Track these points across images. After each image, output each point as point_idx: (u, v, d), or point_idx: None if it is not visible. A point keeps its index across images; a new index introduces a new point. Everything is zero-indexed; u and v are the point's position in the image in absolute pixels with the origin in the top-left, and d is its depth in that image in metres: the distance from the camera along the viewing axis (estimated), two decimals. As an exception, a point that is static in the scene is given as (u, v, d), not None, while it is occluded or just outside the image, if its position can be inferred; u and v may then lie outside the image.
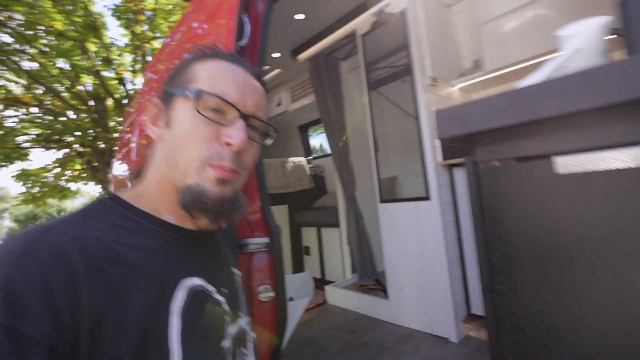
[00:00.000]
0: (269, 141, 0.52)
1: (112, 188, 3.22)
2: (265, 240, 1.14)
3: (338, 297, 2.50)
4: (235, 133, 0.43)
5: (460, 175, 1.84)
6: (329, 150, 3.92)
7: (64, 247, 0.34)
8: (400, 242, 2.00)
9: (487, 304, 0.68)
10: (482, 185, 0.68)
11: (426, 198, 1.84)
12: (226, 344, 0.47)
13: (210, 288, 0.47)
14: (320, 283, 2.83)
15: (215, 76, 0.45)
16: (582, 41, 0.55)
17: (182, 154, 0.43)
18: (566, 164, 0.57)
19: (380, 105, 2.19)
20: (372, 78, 2.23)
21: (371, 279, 2.65)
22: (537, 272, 0.61)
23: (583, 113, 0.52)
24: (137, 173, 0.50)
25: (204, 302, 0.45)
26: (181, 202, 0.43)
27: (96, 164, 5.87)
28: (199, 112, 0.43)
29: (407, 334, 1.87)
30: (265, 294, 1.11)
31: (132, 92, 5.79)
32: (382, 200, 2.13)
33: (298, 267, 3.27)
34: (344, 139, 2.69)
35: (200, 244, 0.49)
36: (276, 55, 2.80)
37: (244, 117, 0.45)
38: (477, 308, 1.79)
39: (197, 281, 0.45)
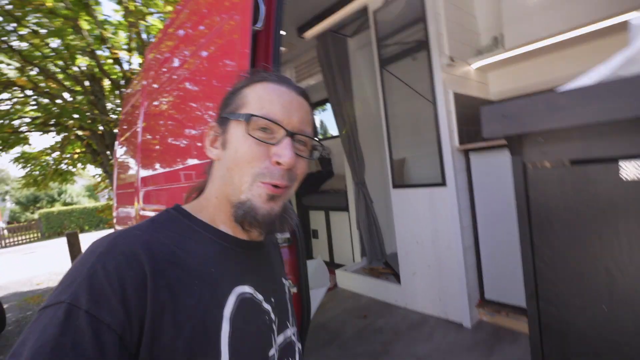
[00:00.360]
0: (316, 154, 0.55)
1: (115, 172, 3.17)
2: (286, 235, 1.11)
3: (349, 281, 2.52)
4: (283, 152, 0.46)
5: (477, 161, 1.79)
6: (335, 132, 3.84)
7: (136, 250, 0.39)
8: (414, 228, 1.98)
9: (532, 310, 0.65)
10: (530, 187, 0.64)
11: (442, 184, 1.80)
12: (272, 352, 0.49)
13: (259, 297, 0.49)
14: (330, 267, 2.85)
15: (263, 99, 0.48)
16: (661, 31, 0.49)
17: (237, 172, 0.47)
18: (632, 168, 0.51)
19: (390, 84, 2.10)
20: (383, 55, 2.12)
21: (380, 262, 2.66)
22: (589, 281, 0.57)
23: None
24: (200, 188, 0.55)
25: (252, 310, 0.47)
26: (234, 216, 0.48)
27: (96, 147, 5.78)
28: (250, 135, 0.47)
29: (420, 319, 1.89)
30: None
31: (129, 72, 5.60)
32: (395, 186, 2.08)
33: (306, 251, 3.29)
34: (344, 132, 2.61)
35: (252, 254, 0.52)
36: (282, 32, 2.66)
37: (291, 134, 0.48)
38: (491, 293, 1.79)
39: (247, 289, 0.48)
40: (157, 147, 1.82)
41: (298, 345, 0.58)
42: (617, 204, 0.53)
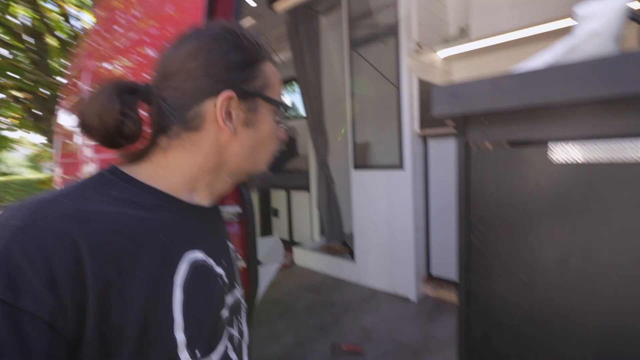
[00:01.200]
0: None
1: (58, 140, 2.90)
2: (237, 209, 1.09)
3: (305, 258, 2.57)
4: (283, 132, 0.56)
5: (434, 147, 1.86)
6: (301, 111, 3.79)
7: (65, 222, 0.33)
8: (371, 209, 2.04)
9: (462, 281, 0.70)
10: (471, 167, 0.67)
11: (400, 167, 1.86)
12: (225, 313, 0.50)
13: (211, 261, 0.49)
14: (288, 244, 2.88)
15: (278, 86, 0.52)
16: (600, 24, 0.52)
17: (264, 151, 0.52)
18: (563, 152, 0.56)
19: (359, 67, 2.10)
20: (354, 36, 2.10)
21: (338, 241, 2.73)
22: (514, 254, 0.63)
23: (590, 102, 0.50)
24: (137, 155, 0.48)
25: (205, 275, 0.46)
26: (243, 183, 0.56)
27: (39, 112, 5.22)
28: (276, 120, 0.52)
29: (370, 294, 1.99)
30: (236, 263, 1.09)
31: (82, 30, 5.05)
32: (356, 167, 2.12)
33: (266, 229, 3.28)
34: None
35: (202, 219, 0.51)
36: (251, 3, 2.52)
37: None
38: (436, 270, 1.92)
39: (199, 254, 0.46)
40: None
41: (244, 305, 0.60)
42: (543, 185, 0.58)
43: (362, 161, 2.12)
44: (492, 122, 0.64)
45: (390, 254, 1.96)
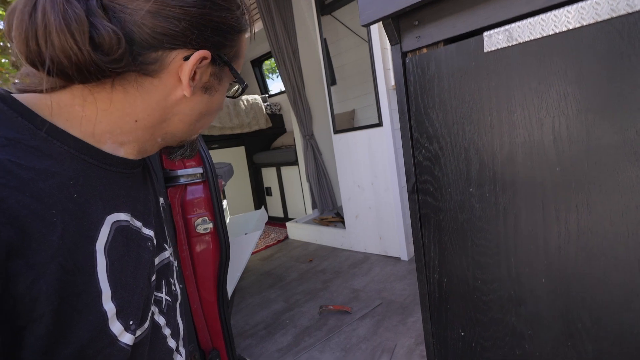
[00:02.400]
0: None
1: None
2: (199, 170, 1.05)
3: (299, 231, 2.55)
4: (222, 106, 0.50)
5: (412, 100, 1.79)
6: (282, 87, 3.71)
7: None
8: (355, 172, 1.99)
9: (413, 205, 0.66)
10: (408, 78, 0.61)
11: (379, 124, 1.79)
12: (154, 278, 0.45)
13: (138, 223, 0.43)
14: (283, 221, 2.86)
15: (242, 57, 0.47)
16: None
17: (205, 121, 0.47)
18: (494, 37, 0.50)
19: (336, 31, 2.01)
20: (323, -2, 2.00)
21: (332, 212, 2.70)
22: (460, 167, 0.58)
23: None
24: (59, 81, 0.36)
25: (131, 238, 0.41)
26: (171, 148, 0.49)
27: None
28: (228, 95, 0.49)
29: (362, 258, 1.96)
30: (203, 225, 1.06)
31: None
32: (336, 131, 2.06)
33: (261, 207, 3.27)
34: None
35: (127, 175, 0.44)
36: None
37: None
38: (427, 229, 1.88)
39: (122, 216, 0.40)
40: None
41: (175, 264, 0.54)
42: (482, 77, 0.52)
43: (342, 125, 2.05)
44: (423, 22, 0.57)
45: (378, 215, 1.92)
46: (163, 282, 0.49)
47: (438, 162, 0.60)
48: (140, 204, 0.46)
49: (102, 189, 0.38)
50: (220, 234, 1.08)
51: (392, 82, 1.77)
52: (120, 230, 0.39)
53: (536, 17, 0.46)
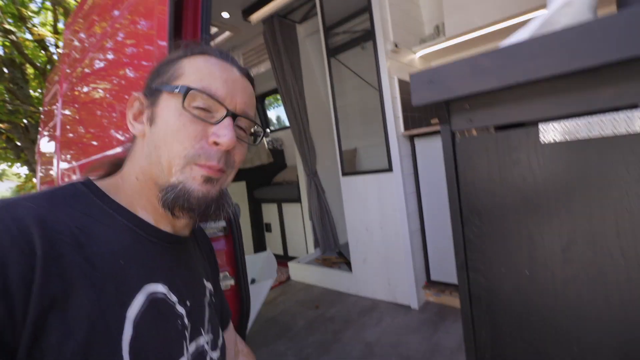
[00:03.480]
0: (257, 140, 0.51)
1: (38, 168, 2.81)
2: (222, 224, 1.03)
3: (302, 273, 2.48)
4: (223, 132, 0.41)
5: (421, 146, 1.83)
6: (287, 122, 3.77)
7: (25, 226, 0.31)
8: (363, 215, 1.99)
9: (462, 282, 0.64)
10: (458, 157, 0.62)
11: (388, 170, 1.81)
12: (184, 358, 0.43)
13: (173, 298, 0.43)
14: (283, 260, 2.79)
15: (204, 72, 0.43)
16: (573, -8, 0.49)
17: (166, 151, 0.41)
18: (550, 131, 0.52)
19: (340, 73, 2.08)
20: (332, 44, 2.09)
21: (334, 252, 2.65)
22: (513, 247, 0.57)
23: (571, 75, 0.46)
24: (114, 164, 0.47)
25: (163, 312, 0.41)
26: (163, 201, 0.41)
27: (19, 142, 5.11)
28: (186, 110, 0.41)
29: (370, 305, 1.91)
30: (225, 282, 1.02)
31: (56, 57, 5.01)
32: (344, 174, 2.07)
33: (259, 245, 3.19)
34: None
35: (172, 249, 0.46)
36: (225, 15, 2.51)
37: (233, 115, 0.43)
38: (436, 274, 1.85)
39: (160, 288, 0.41)
40: (75, 136, 1.61)
41: (211, 355, 0.51)
42: (536, 169, 0.53)
43: (352, 168, 2.07)
44: (475, 107, 0.59)
45: (387, 260, 1.89)
46: None
47: (490, 241, 0.60)
48: (180, 280, 0.46)
49: (146, 258, 0.41)
50: (241, 291, 1.04)
51: (402, 129, 1.81)
52: (155, 301, 0.40)
53: (595, 117, 0.48)
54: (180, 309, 0.44)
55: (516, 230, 0.57)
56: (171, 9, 0.88)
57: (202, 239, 0.62)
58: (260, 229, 3.20)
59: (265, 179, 3.23)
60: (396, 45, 1.80)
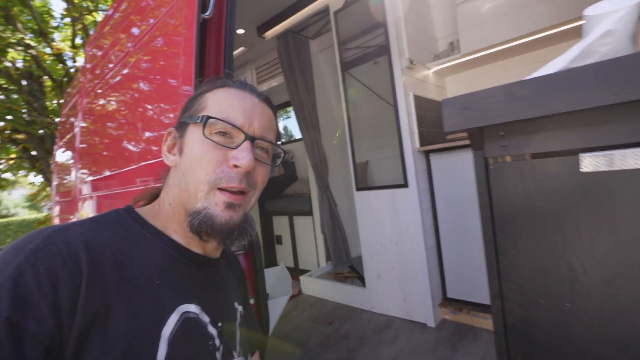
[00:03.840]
0: (278, 161, 0.55)
1: (54, 177, 2.86)
2: (242, 241, 1.02)
3: (314, 286, 2.45)
4: (242, 154, 0.44)
5: (437, 162, 1.81)
6: (295, 134, 3.79)
7: (74, 249, 0.34)
8: (377, 230, 1.97)
9: (496, 310, 0.63)
10: (492, 183, 0.62)
11: (404, 185, 1.80)
12: None
13: (206, 318, 0.45)
14: (294, 273, 2.77)
15: (223, 102, 0.47)
16: (612, 22, 0.48)
17: (192, 178, 0.44)
18: (593, 161, 0.51)
19: (353, 88, 2.09)
20: (345, 58, 2.11)
21: (346, 266, 2.62)
22: (552, 278, 0.56)
23: (612, 106, 0.45)
24: (154, 194, 0.52)
25: (195, 332, 0.43)
26: (190, 226, 0.44)
27: (34, 152, 5.22)
28: (207, 137, 0.44)
29: (385, 322, 1.87)
30: (243, 301, 1.01)
31: (73, 70, 5.15)
32: (358, 188, 2.06)
33: (270, 258, 3.18)
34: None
35: (204, 271, 0.49)
36: (240, 31, 2.56)
37: (251, 139, 0.46)
38: (453, 292, 1.82)
39: (193, 308, 0.44)
40: (94, 149, 1.64)
41: None
42: (577, 198, 0.52)
43: (365, 182, 2.06)
44: (509, 134, 0.59)
45: (403, 276, 1.86)
46: None
47: (526, 271, 0.59)
48: (211, 302, 0.47)
49: (179, 279, 0.44)
50: (261, 309, 1.03)
51: (417, 145, 1.81)
52: (187, 321, 0.42)
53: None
54: (212, 330, 0.46)
55: (555, 260, 0.55)
56: (201, 36, 0.90)
57: (233, 262, 0.64)
58: (270, 241, 3.20)
59: (276, 190, 3.23)
60: (411, 62, 1.81)
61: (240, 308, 0.56)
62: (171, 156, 0.50)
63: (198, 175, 0.44)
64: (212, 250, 0.50)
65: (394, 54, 1.80)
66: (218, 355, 0.46)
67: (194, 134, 0.46)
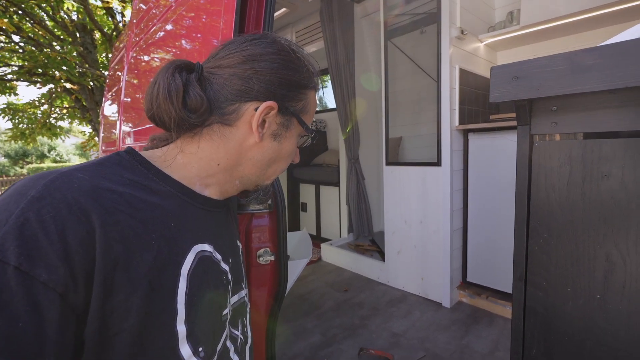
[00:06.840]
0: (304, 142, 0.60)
1: (101, 128, 3.05)
2: (269, 201, 1.05)
3: (333, 255, 2.51)
4: (298, 155, 0.56)
5: (476, 142, 1.72)
6: (329, 104, 3.72)
7: (80, 196, 0.34)
8: (403, 207, 1.94)
9: (517, 293, 0.61)
10: (534, 162, 0.57)
11: (436, 164, 1.74)
12: (226, 311, 0.49)
13: (218, 256, 0.48)
14: (316, 240, 2.84)
15: (312, 111, 0.53)
16: None
17: (275, 167, 0.52)
18: (656, 145, 0.45)
19: (394, 58, 1.99)
20: (391, 26, 1.99)
21: (367, 239, 2.65)
22: (586, 268, 0.52)
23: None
24: (162, 138, 0.51)
25: (210, 269, 0.46)
26: (246, 192, 0.54)
27: (85, 103, 5.56)
28: (297, 143, 0.53)
29: (400, 297, 1.89)
30: (265, 257, 1.05)
31: (122, 25, 5.30)
32: (388, 163, 2.02)
33: (294, 223, 3.27)
34: (347, 130, 2.51)
35: (213, 213, 0.50)
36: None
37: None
38: (473, 276, 1.79)
39: (206, 247, 0.46)
40: (137, 103, 1.71)
41: (249, 305, 0.60)
42: (630, 187, 0.48)
43: (395, 157, 2.02)
44: (563, 109, 0.54)
45: (423, 255, 1.85)
46: (239, 321, 0.53)
47: (558, 257, 0.56)
48: (221, 241, 0.51)
49: (192, 222, 0.45)
50: (280, 268, 1.07)
51: (457, 123, 1.72)
52: (202, 259, 0.44)
53: None
54: (225, 266, 0.50)
55: (592, 250, 0.52)
56: (237, 11, 0.88)
57: (232, 203, 0.66)
58: (296, 207, 3.27)
59: (305, 158, 3.25)
60: (462, 32, 1.67)
61: (240, 245, 0.60)
62: (259, 132, 0.47)
63: (280, 166, 0.53)
64: (219, 194, 0.52)
65: (444, 21, 1.67)
66: (230, 288, 0.51)
67: (294, 133, 0.51)
